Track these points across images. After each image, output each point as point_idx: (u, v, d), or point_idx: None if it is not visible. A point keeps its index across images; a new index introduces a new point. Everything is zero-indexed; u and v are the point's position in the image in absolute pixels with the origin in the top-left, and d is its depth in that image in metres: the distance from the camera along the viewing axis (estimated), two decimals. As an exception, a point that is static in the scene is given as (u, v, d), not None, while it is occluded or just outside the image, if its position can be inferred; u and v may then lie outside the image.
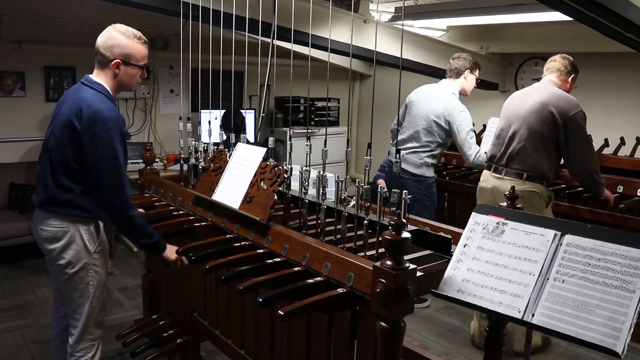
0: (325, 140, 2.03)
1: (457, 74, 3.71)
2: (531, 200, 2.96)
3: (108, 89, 2.14)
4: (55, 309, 2.45)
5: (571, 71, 3.12)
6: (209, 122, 2.66)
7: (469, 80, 3.72)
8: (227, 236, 2.14)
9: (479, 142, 4.29)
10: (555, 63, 3.12)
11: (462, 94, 3.76)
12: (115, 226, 2.21)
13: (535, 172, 2.96)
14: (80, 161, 2.06)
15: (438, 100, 3.67)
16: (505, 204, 1.83)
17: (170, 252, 2.25)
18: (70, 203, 2.12)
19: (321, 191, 1.98)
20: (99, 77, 2.14)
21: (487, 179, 3.19)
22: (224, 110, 4.64)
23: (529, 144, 2.95)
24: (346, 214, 1.88)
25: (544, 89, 3.03)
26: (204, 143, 2.67)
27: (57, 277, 2.24)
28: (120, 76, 2.14)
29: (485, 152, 3.50)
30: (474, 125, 4.26)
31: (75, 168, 2.08)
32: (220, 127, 4.50)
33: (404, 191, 1.72)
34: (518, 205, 1.92)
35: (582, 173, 2.98)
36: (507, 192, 2.90)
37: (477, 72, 3.75)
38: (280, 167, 2.07)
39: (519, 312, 1.36)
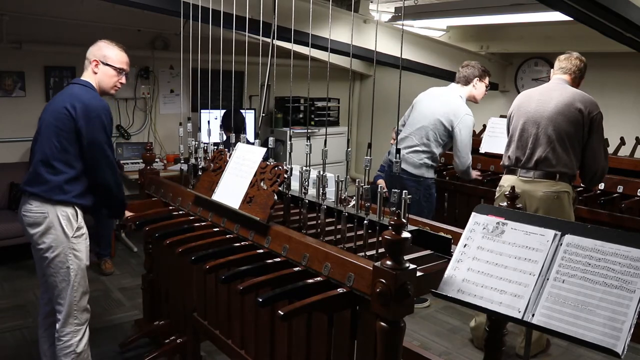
0: (325, 140, 2.03)
1: (466, 81, 3.73)
2: (563, 201, 2.98)
3: (93, 84, 2.46)
4: (41, 295, 2.57)
5: (584, 75, 3.12)
6: (209, 122, 2.66)
7: (478, 88, 3.74)
8: (227, 236, 2.14)
9: (479, 141, 4.30)
10: (572, 66, 3.07)
11: (471, 100, 3.77)
12: (106, 195, 2.46)
13: (567, 172, 2.96)
14: (76, 144, 2.32)
15: (444, 101, 3.68)
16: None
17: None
18: (52, 185, 2.30)
19: (321, 191, 1.98)
20: (84, 77, 2.48)
21: (513, 184, 2.97)
22: (224, 111, 4.63)
23: (559, 145, 2.93)
24: (346, 214, 1.88)
25: (563, 89, 3.01)
26: (204, 143, 2.67)
27: (40, 262, 2.39)
28: (99, 75, 2.46)
29: (484, 153, 3.50)
30: (473, 126, 4.24)
31: (70, 151, 2.32)
32: (220, 127, 4.50)
33: (404, 191, 1.72)
34: (518, 205, 1.93)
35: (596, 170, 3.00)
36: (540, 195, 2.95)
37: (486, 80, 3.76)
38: (280, 167, 2.06)
39: (519, 312, 1.36)
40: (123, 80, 2.53)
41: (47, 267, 2.35)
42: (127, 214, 2.61)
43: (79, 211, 2.39)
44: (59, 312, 2.38)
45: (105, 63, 2.45)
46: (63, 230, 2.32)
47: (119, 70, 2.49)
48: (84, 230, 2.42)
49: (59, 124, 2.31)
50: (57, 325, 2.38)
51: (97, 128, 2.33)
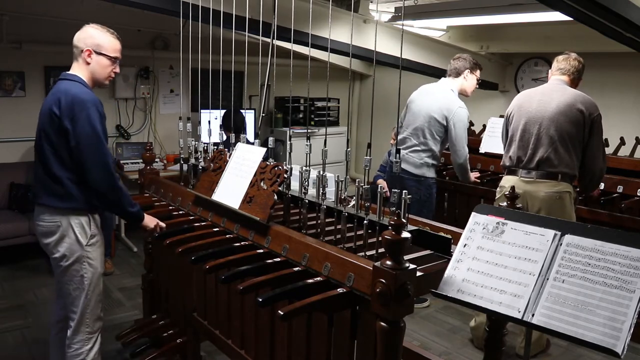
0: (325, 140, 2.03)
1: (457, 73, 3.71)
2: (565, 202, 2.97)
3: (83, 78, 2.27)
4: (56, 300, 2.53)
5: (582, 76, 3.12)
6: (209, 122, 2.66)
7: (469, 80, 3.72)
8: (227, 236, 2.14)
9: (479, 141, 4.30)
10: (570, 67, 3.07)
11: (463, 94, 3.75)
12: (103, 201, 2.27)
13: (568, 172, 2.96)
14: (66, 147, 2.16)
15: (436, 97, 3.67)
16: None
17: (149, 221, 2.39)
18: (61, 193, 2.21)
19: (321, 191, 1.98)
20: (73, 70, 2.29)
21: (514, 184, 2.90)
22: (224, 110, 4.64)
23: (561, 145, 2.93)
24: (346, 214, 1.88)
25: (564, 90, 3.01)
26: (204, 143, 2.67)
27: (56, 270, 2.34)
28: (92, 65, 2.26)
29: (484, 152, 3.49)
30: (472, 124, 4.26)
31: (64, 156, 2.18)
32: (220, 127, 4.50)
33: (404, 191, 1.72)
34: (518, 205, 1.93)
35: (594, 171, 3.01)
36: (542, 195, 2.93)
37: (477, 73, 3.74)
38: (280, 167, 2.07)
39: (519, 312, 1.36)
40: (117, 69, 2.34)
41: (62, 275, 2.30)
42: (152, 221, 2.39)
43: (92, 218, 2.30)
44: (71, 319, 2.32)
45: (98, 52, 2.24)
46: (77, 238, 2.25)
47: (114, 59, 2.30)
48: (98, 237, 2.33)
49: (48, 128, 2.18)
50: (69, 332, 2.32)
51: (83, 123, 2.12)
